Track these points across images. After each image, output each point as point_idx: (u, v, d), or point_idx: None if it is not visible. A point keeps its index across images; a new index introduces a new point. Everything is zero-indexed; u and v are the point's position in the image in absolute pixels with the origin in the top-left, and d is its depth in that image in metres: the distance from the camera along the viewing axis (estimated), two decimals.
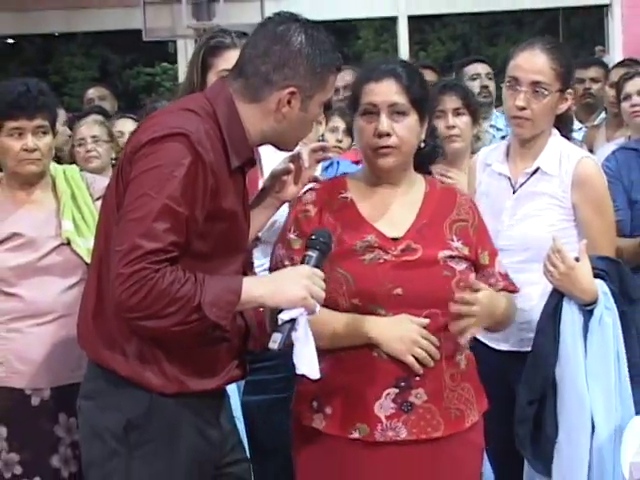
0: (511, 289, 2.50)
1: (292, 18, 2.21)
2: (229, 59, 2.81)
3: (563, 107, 2.89)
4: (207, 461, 2.27)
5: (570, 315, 2.61)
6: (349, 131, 4.26)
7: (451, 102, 3.57)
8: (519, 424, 2.69)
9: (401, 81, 2.37)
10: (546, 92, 2.81)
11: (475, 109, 3.60)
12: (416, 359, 2.27)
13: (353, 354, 2.31)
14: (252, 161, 2.26)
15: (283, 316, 2.11)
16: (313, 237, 2.21)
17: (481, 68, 5.18)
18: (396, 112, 2.36)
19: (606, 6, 9.97)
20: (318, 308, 2.14)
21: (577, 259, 2.60)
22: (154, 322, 2.04)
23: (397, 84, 2.37)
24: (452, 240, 2.38)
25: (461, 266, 2.36)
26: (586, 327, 2.60)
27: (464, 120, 3.57)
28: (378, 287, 2.30)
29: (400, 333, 2.27)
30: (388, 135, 2.34)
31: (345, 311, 2.31)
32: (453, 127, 3.55)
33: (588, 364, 2.58)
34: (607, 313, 2.59)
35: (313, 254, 2.18)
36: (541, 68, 2.81)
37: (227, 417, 2.40)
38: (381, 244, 2.34)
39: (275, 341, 2.11)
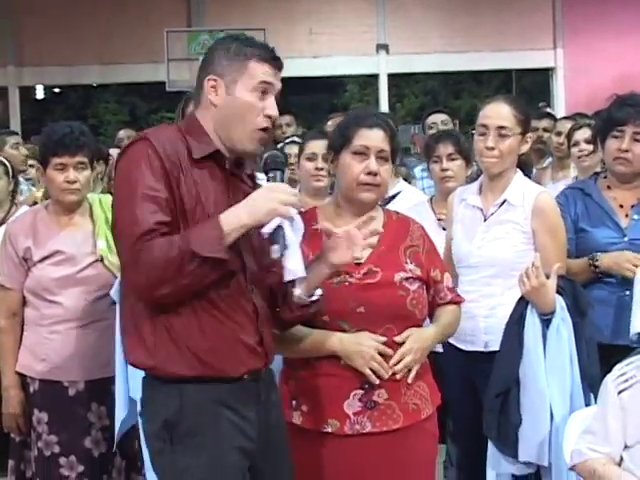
0: (456, 300, 2.46)
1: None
2: None
3: (524, 148, 2.89)
4: (245, 445, 2.02)
5: (532, 323, 2.60)
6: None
7: (445, 149, 3.54)
8: (487, 413, 2.66)
9: (387, 132, 2.35)
10: (510, 134, 2.82)
11: (467, 154, 3.53)
12: (372, 371, 2.25)
13: (325, 362, 2.27)
14: (218, 155, 2.05)
15: (265, 230, 1.95)
16: (268, 161, 2.06)
17: (437, 118, 5.17)
18: (381, 157, 2.34)
19: (551, 69, 10.05)
20: (293, 211, 1.96)
21: (548, 276, 2.59)
22: (168, 287, 1.88)
23: (385, 134, 2.35)
24: (407, 263, 2.35)
25: (414, 286, 2.33)
26: (545, 333, 2.59)
27: (457, 163, 3.53)
28: (344, 306, 2.26)
29: (360, 349, 2.24)
30: (375, 175, 2.32)
31: (317, 326, 2.27)
32: (447, 170, 3.52)
33: (547, 364, 2.57)
34: (562, 324, 2.58)
35: (274, 174, 2.05)
36: (505, 115, 2.83)
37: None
38: (346, 268, 2.26)
39: (276, 251, 1.95)
